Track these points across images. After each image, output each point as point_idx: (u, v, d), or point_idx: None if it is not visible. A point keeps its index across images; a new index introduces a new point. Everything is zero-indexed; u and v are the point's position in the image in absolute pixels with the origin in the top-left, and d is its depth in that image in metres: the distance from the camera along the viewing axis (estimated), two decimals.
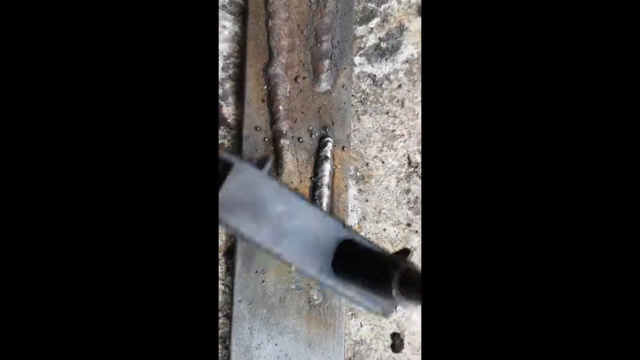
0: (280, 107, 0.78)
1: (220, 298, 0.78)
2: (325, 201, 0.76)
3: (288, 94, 0.78)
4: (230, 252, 0.78)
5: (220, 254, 0.78)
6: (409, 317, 0.79)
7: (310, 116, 0.79)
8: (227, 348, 0.77)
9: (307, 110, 0.79)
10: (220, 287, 0.78)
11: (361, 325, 0.79)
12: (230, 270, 0.78)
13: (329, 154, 0.77)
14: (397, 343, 0.79)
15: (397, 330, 0.79)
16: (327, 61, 0.79)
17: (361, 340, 0.79)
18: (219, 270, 0.78)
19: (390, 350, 0.79)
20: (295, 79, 0.79)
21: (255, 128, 0.78)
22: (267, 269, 0.74)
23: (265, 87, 0.78)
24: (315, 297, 0.75)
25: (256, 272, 0.74)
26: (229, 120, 0.81)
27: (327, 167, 0.77)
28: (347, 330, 0.78)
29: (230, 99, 0.81)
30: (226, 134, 0.81)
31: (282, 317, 0.74)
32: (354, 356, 0.78)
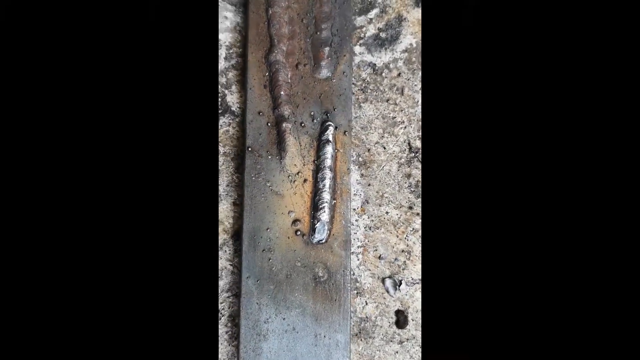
0: (282, 92, 0.82)
1: (230, 278, 0.81)
2: (327, 183, 0.79)
3: (289, 80, 0.82)
4: (238, 234, 0.81)
5: (227, 236, 0.81)
6: (413, 295, 0.81)
7: (312, 102, 0.82)
8: (237, 325, 0.80)
9: (309, 96, 0.82)
10: (229, 267, 0.81)
11: (366, 304, 0.81)
12: (239, 251, 0.81)
13: (330, 138, 0.80)
14: (401, 319, 0.80)
15: (401, 308, 0.81)
16: (327, 48, 0.82)
17: (367, 317, 0.81)
18: (228, 252, 0.81)
19: (395, 327, 0.80)
20: (296, 66, 0.82)
21: (259, 113, 0.81)
22: (273, 248, 0.77)
23: (267, 74, 0.82)
24: (320, 274, 0.77)
25: (263, 250, 0.77)
26: (233, 109, 0.85)
27: (329, 150, 0.80)
28: (353, 308, 0.80)
29: (234, 88, 0.85)
30: (231, 121, 0.85)
31: (289, 292, 0.76)
32: (359, 332, 0.80)
